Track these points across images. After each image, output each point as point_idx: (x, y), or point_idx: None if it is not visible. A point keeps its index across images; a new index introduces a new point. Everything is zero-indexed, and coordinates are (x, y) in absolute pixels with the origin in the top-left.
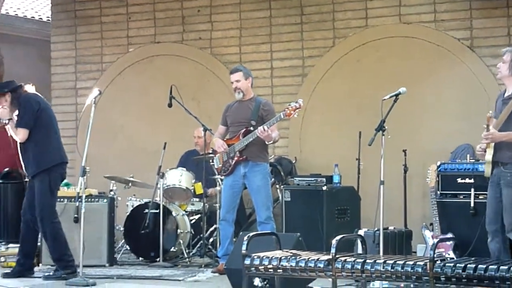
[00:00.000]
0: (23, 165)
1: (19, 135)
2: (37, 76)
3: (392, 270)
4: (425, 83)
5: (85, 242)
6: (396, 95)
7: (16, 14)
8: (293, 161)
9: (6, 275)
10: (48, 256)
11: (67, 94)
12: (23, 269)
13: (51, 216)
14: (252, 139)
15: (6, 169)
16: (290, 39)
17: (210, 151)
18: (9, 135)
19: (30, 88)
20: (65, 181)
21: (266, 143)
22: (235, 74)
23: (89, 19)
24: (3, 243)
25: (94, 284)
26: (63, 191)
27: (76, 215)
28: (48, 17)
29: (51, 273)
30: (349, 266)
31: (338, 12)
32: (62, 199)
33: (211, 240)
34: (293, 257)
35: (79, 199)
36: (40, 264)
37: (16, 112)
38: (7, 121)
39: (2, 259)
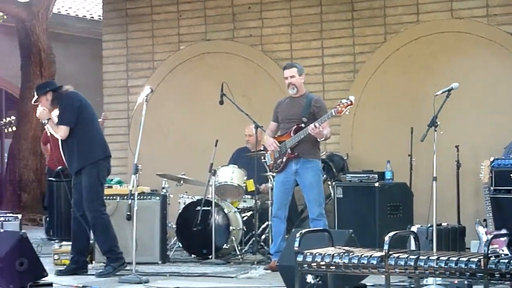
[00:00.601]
0: (65, 162)
1: (60, 133)
2: (89, 75)
3: (445, 266)
4: (477, 78)
5: (138, 239)
6: (449, 91)
7: (68, 13)
8: (345, 158)
9: (59, 273)
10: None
11: (119, 93)
12: (76, 266)
13: (100, 209)
14: (304, 136)
15: (59, 168)
16: (341, 35)
17: (262, 148)
18: (48, 134)
19: (68, 87)
20: (117, 178)
21: (318, 140)
22: (289, 69)
23: (140, 18)
24: (56, 241)
25: (147, 281)
26: (115, 189)
27: (128, 213)
28: (99, 15)
29: (102, 270)
30: (402, 263)
31: (389, 8)
32: (114, 197)
33: (263, 237)
34: (346, 254)
35: (132, 197)
36: (94, 262)
37: (56, 112)
38: (46, 121)
39: (56, 257)
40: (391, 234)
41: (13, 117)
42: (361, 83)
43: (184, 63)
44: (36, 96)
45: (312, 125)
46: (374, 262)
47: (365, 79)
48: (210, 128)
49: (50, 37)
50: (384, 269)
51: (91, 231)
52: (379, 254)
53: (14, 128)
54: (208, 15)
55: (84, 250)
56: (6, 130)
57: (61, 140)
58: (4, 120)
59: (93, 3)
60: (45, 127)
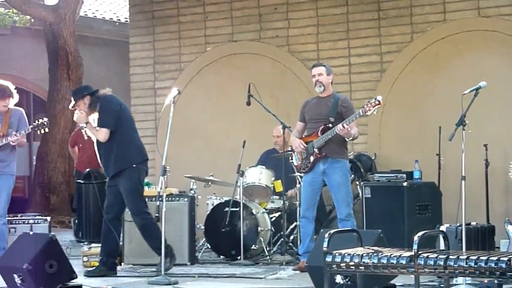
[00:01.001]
0: (101, 165)
1: (101, 135)
2: (116, 77)
3: (475, 266)
4: (505, 76)
5: (166, 241)
6: (477, 89)
7: (95, 16)
8: (373, 157)
9: (89, 274)
10: (130, 255)
11: (146, 94)
12: (106, 268)
13: (143, 210)
14: (331, 136)
15: (87, 170)
16: (368, 35)
17: (289, 149)
18: (85, 138)
19: (106, 91)
20: (146, 180)
21: (346, 140)
22: (317, 68)
23: (167, 19)
24: (85, 243)
25: (176, 283)
26: (144, 190)
27: (157, 215)
28: (126, 18)
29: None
30: (432, 262)
31: (415, 7)
32: None
33: (291, 237)
34: (374, 254)
35: (160, 199)
36: (122, 264)
37: (93, 116)
38: (85, 125)
39: (85, 258)
40: (420, 233)
41: (45, 118)
42: (388, 82)
43: (210, 64)
44: (73, 101)
45: (340, 126)
46: (404, 262)
47: (392, 78)
48: (237, 129)
49: (77, 40)
50: (413, 269)
51: (120, 233)
52: (408, 254)
53: (47, 130)
54: (235, 16)
55: (113, 251)
56: (39, 132)
57: (98, 143)
58: (36, 121)
59: (119, 6)
60: (82, 130)
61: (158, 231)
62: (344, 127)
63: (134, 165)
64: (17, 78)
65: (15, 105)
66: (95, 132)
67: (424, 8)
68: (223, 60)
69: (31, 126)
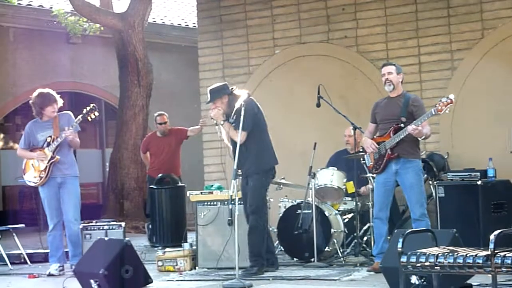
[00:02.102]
0: (235, 161)
1: (239, 137)
2: (185, 82)
3: None
4: None
5: (240, 244)
6: None
7: (163, 22)
8: (445, 156)
9: (245, 273)
10: (204, 259)
11: None
12: (267, 264)
13: (262, 212)
14: (403, 136)
15: (160, 175)
16: (438, 33)
17: (360, 150)
18: (220, 137)
19: (241, 92)
20: (217, 184)
21: (418, 139)
22: (388, 66)
23: (235, 23)
24: (159, 247)
25: (251, 286)
26: (216, 194)
27: (230, 218)
28: (194, 23)
29: (248, 269)
30: (509, 261)
31: (485, 3)
32: (215, 203)
33: (365, 238)
34: (450, 254)
35: (233, 202)
36: (197, 267)
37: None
38: (222, 122)
39: (160, 263)
40: (496, 232)
41: (92, 104)
42: (459, 80)
43: (279, 67)
44: (211, 98)
45: (412, 126)
46: (480, 261)
47: (463, 76)
48: (307, 131)
49: (146, 46)
50: (490, 268)
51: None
52: (484, 253)
53: (97, 114)
54: (302, 18)
55: (267, 248)
56: (89, 118)
57: (233, 141)
58: (85, 109)
59: (187, 11)
60: (216, 128)
61: (263, 239)
62: (416, 127)
63: (268, 168)
64: (88, 86)
65: (60, 110)
66: (232, 132)
67: (494, 4)
68: (292, 62)
69: (80, 115)
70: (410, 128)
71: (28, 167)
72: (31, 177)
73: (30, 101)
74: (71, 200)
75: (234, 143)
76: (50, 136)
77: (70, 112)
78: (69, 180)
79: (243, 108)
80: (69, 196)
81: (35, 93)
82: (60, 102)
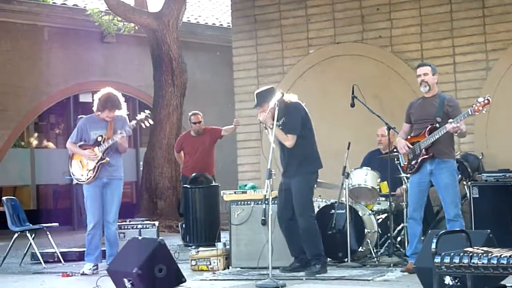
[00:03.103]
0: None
1: (289, 141)
2: (220, 82)
3: None
4: None
5: (273, 244)
6: None
7: (198, 22)
8: (480, 157)
9: (284, 270)
10: (237, 258)
11: (250, 98)
12: (300, 264)
13: (311, 213)
14: (439, 136)
15: (194, 174)
16: (473, 33)
17: (394, 150)
18: (272, 138)
19: (290, 96)
20: (251, 184)
21: (453, 140)
22: (423, 67)
23: (269, 23)
24: (193, 247)
25: (284, 286)
26: (250, 194)
27: (263, 218)
28: (228, 23)
29: (311, 268)
30: None
31: None
32: (249, 202)
33: (399, 239)
34: (484, 254)
35: (266, 202)
36: (230, 267)
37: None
38: (271, 126)
39: (193, 262)
40: None
41: (147, 111)
42: (494, 80)
43: (313, 67)
44: (257, 103)
45: (452, 124)
46: None
47: (498, 76)
48: (341, 131)
49: (180, 45)
50: None
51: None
52: None
53: (151, 122)
54: (337, 18)
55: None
56: (143, 125)
57: (281, 144)
58: (139, 115)
59: (222, 11)
60: (265, 132)
61: (319, 238)
62: (455, 125)
63: (313, 171)
64: (123, 85)
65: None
66: (282, 136)
67: None
68: (326, 62)
69: (134, 121)
70: (450, 126)
71: (74, 164)
72: (77, 174)
73: (96, 96)
74: (114, 202)
75: (281, 146)
76: (102, 136)
77: (126, 116)
78: (114, 181)
79: (285, 110)
80: (112, 197)
81: (105, 91)
82: (125, 109)
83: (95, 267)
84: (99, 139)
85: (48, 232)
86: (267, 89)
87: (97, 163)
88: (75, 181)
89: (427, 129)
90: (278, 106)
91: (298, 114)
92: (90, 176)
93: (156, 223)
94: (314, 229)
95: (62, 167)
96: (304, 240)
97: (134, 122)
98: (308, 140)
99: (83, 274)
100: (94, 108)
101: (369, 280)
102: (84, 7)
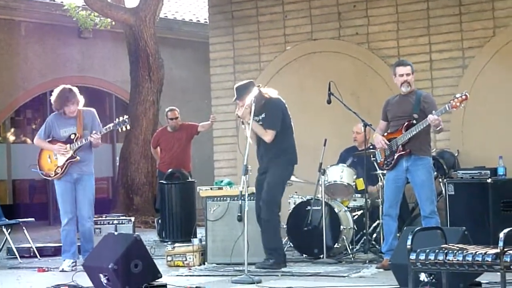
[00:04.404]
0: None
1: (268, 136)
2: (196, 78)
3: None
4: None
5: (249, 240)
6: None
7: (175, 18)
8: (456, 154)
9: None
10: (213, 254)
11: (227, 94)
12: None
13: (275, 207)
14: (416, 131)
15: (170, 170)
16: (449, 30)
17: (370, 146)
18: (249, 134)
19: (270, 91)
20: (227, 180)
21: (432, 132)
22: (406, 67)
23: (246, 19)
24: (169, 242)
25: (260, 282)
26: (226, 190)
27: (239, 214)
28: (205, 19)
29: (263, 261)
30: None
31: (497, 1)
32: (225, 198)
33: (374, 235)
34: (459, 251)
35: (242, 198)
36: (206, 263)
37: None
38: (249, 122)
39: (169, 258)
40: (506, 230)
41: (126, 116)
42: (471, 78)
43: (290, 63)
44: (237, 96)
45: (433, 116)
46: (489, 259)
47: (475, 74)
48: (318, 128)
49: (157, 41)
50: (499, 267)
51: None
52: (494, 251)
53: (128, 127)
54: (314, 15)
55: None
56: (120, 130)
57: (259, 138)
58: (117, 119)
59: (199, 7)
60: (242, 127)
61: (277, 233)
62: (437, 117)
63: (288, 164)
64: (99, 80)
65: (84, 105)
66: (261, 131)
67: (506, 2)
68: (303, 59)
69: (112, 124)
70: (432, 117)
71: (43, 158)
72: (45, 169)
73: (51, 99)
74: (86, 197)
75: (257, 141)
76: (75, 134)
77: (93, 110)
78: (85, 177)
79: (272, 107)
80: (84, 193)
81: (56, 91)
82: (82, 101)
83: (74, 263)
84: (72, 136)
85: (24, 227)
86: (246, 83)
87: (66, 161)
88: (41, 176)
89: (404, 125)
90: (255, 102)
91: (279, 110)
92: (58, 173)
93: (132, 218)
94: (275, 223)
95: (36, 162)
96: (262, 230)
97: (111, 125)
98: (286, 136)
99: (62, 271)
100: (55, 111)
101: (344, 277)
102: (61, 2)
